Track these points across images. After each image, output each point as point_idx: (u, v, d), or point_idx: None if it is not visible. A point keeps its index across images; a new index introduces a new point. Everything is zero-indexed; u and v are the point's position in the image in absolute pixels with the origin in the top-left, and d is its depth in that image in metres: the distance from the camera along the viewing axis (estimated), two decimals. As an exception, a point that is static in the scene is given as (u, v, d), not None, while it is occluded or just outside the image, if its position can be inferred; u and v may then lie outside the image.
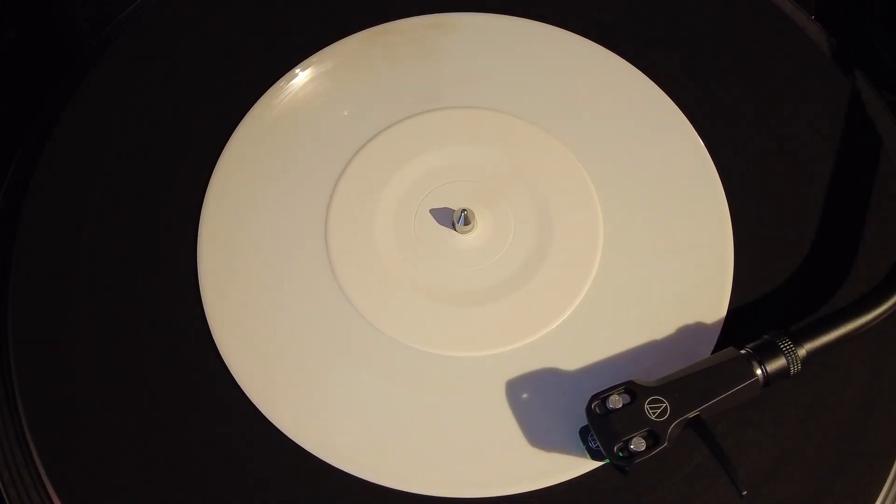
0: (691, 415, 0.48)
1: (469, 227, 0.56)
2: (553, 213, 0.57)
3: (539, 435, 0.51)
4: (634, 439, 0.47)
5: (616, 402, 0.48)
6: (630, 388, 0.49)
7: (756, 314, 0.54)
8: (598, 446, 0.48)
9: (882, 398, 0.52)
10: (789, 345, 0.49)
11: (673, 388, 0.48)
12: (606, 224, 0.57)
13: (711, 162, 0.58)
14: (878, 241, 0.56)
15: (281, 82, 0.61)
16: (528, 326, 0.54)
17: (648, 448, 0.47)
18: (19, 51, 0.68)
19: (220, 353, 0.53)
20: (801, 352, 0.49)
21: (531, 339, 0.54)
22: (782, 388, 0.51)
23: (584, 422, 0.50)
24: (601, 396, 0.49)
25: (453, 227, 0.56)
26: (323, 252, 0.56)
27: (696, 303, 0.54)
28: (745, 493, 0.47)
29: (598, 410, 0.49)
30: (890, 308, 0.50)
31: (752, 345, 0.50)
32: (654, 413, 0.48)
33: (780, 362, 0.49)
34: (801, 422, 0.52)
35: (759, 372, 0.49)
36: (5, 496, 0.51)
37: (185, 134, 0.59)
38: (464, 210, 0.56)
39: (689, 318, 0.54)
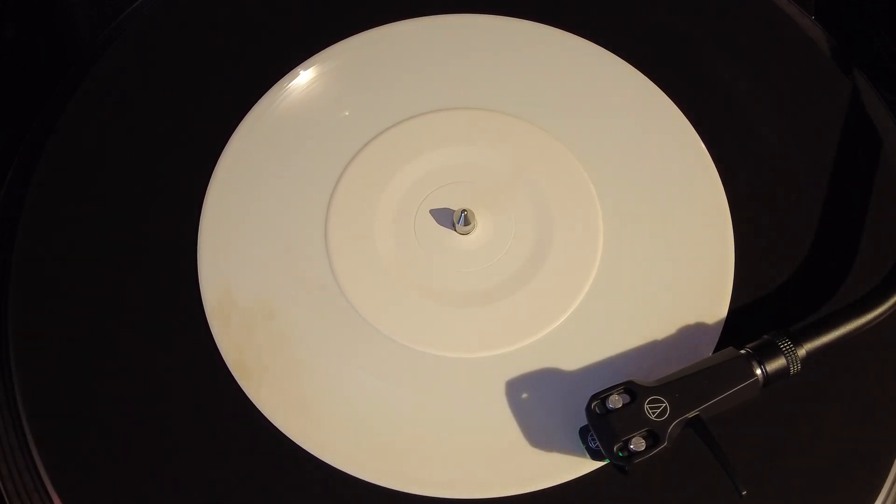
0: (691, 415, 0.48)
1: (469, 227, 0.56)
2: (553, 214, 0.57)
3: (539, 435, 0.51)
4: (634, 439, 0.47)
5: (616, 401, 0.48)
6: (630, 388, 0.49)
7: (756, 314, 0.54)
8: (597, 446, 0.48)
9: (882, 398, 0.52)
10: (789, 345, 0.49)
11: (673, 387, 0.48)
12: (606, 224, 0.57)
13: (711, 162, 0.58)
14: (878, 241, 0.56)
15: (282, 82, 0.61)
16: (528, 327, 0.54)
17: (648, 448, 0.47)
18: (19, 51, 0.68)
19: (220, 352, 0.53)
20: (801, 352, 0.49)
21: (531, 340, 0.54)
22: (782, 388, 0.51)
23: (584, 422, 0.50)
24: (601, 396, 0.49)
25: (453, 227, 0.56)
26: (323, 252, 0.56)
27: (696, 303, 0.54)
28: (744, 493, 0.47)
29: (597, 410, 0.49)
30: (890, 308, 0.50)
31: (751, 345, 0.50)
32: (653, 413, 0.48)
33: (779, 362, 0.49)
34: (800, 422, 0.51)
35: (758, 372, 0.49)
36: (4, 495, 0.51)
37: (186, 134, 0.59)
38: (464, 210, 0.56)
39: (689, 318, 0.54)
